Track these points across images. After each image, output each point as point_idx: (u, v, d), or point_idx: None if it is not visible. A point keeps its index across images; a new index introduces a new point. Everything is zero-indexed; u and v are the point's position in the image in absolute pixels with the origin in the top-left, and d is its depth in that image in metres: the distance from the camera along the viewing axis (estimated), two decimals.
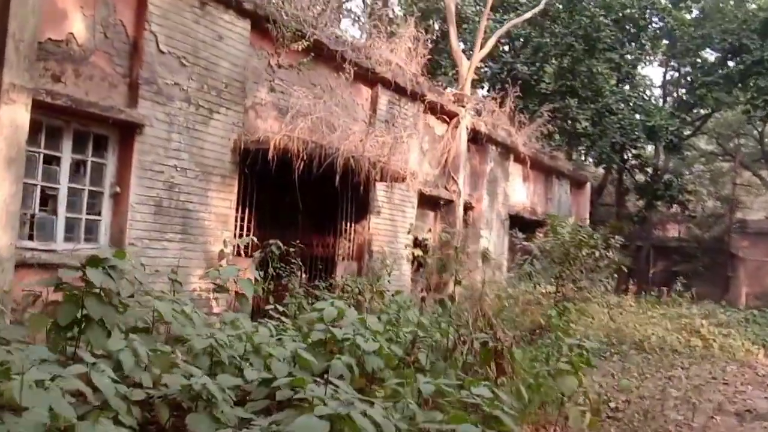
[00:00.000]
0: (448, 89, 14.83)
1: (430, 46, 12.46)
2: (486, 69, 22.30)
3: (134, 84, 6.52)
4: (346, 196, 9.85)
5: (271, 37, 8.12)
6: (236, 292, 6.85)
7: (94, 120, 6.18)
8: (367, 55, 10.18)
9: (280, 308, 6.39)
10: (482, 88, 22.63)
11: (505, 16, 20.15)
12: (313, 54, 8.86)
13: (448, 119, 13.25)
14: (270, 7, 8.01)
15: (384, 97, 10.74)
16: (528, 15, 16.27)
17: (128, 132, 6.47)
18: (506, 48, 23.52)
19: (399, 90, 10.99)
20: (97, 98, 6.18)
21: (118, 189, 6.52)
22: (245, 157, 7.72)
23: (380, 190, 10.69)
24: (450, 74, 20.37)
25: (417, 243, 11.78)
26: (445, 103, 12.73)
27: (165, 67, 6.77)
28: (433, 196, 12.62)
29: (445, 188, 13.29)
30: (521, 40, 22.52)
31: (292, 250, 7.77)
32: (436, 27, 19.81)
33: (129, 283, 5.50)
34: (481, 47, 14.29)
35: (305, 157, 7.62)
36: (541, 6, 16.24)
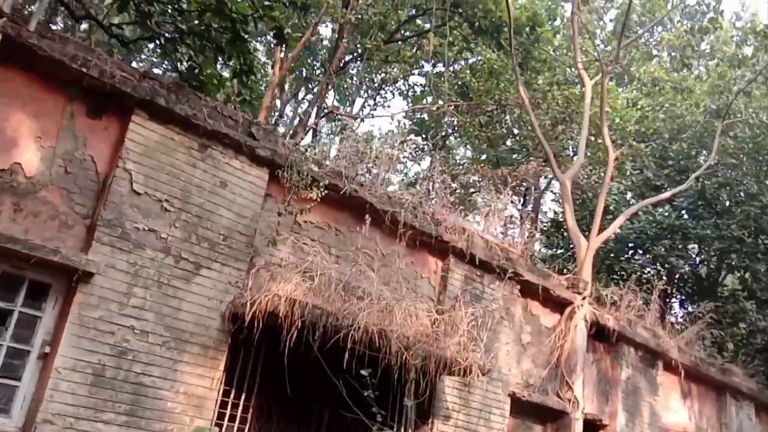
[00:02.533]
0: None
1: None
2: (634, 262, 19.53)
3: (94, 226, 5.60)
4: (399, 389, 7.77)
5: (297, 189, 7.03)
6: None
7: (25, 262, 5.21)
8: (434, 220, 8.71)
9: None
10: (621, 280, 19.66)
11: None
12: (351, 213, 7.61)
13: (560, 309, 10.92)
14: (296, 156, 7.03)
15: (458, 272, 8.94)
16: (666, 195, 13.99)
17: (73, 280, 5.39)
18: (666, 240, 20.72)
19: (482, 266, 9.18)
20: (38, 238, 5.28)
21: (48, 349, 5.31)
22: (238, 324, 6.25)
23: (452, 387, 8.46)
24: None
25: None
26: (554, 288, 10.52)
27: (138, 210, 5.82)
28: (535, 403, 9.92)
29: (558, 395, 10.50)
30: (676, 230, 19.69)
31: None
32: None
33: None
34: (602, 230, 12.19)
35: (303, 326, 5.97)
36: (681, 187, 13.93)
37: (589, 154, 20.33)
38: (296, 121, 21.36)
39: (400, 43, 20.47)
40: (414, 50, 21.01)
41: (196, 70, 7.14)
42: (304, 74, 23.02)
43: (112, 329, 5.51)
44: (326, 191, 7.26)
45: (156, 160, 5.98)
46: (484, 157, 23.53)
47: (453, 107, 19.03)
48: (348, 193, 7.52)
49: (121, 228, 5.68)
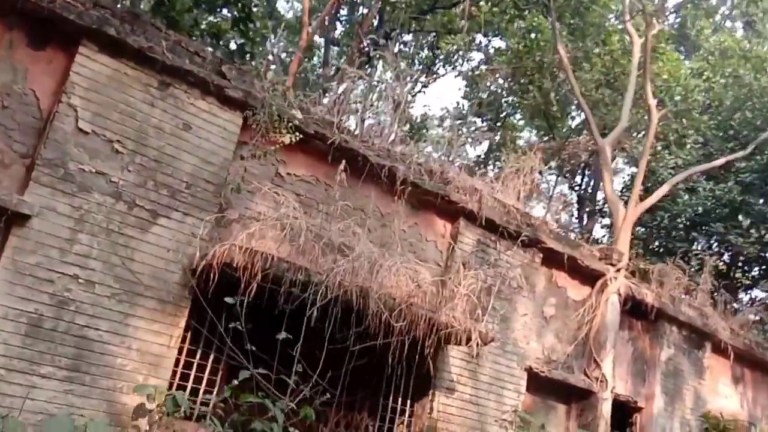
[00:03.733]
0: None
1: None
2: (690, 240, 18.08)
3: (33, 165, 5.14)
4: (395, 358, 7.08)
5: (267, 133, 6.38)
6: None
7: None
8: (442, 179, 7.93)
9: None
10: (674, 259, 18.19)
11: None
12: (339, 164, 6.91)
13: (591, 281, 9.95)
14: (275, 98, 6.39)
15: (469, 236, 8.14)
16: (719, 162, 12.61)
17: (2, 222, 4.94)
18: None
19: (497, 230, 8.34)
20: None
21: None
22: (203, 279, 5.69)
23: (457, 357, 7.73)
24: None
25: None
26: (583, 258, 9.56)
27: (84, 149, 5.32)
28: (557, 380, 9.05)
29: (585, 373, 9.59)
30: (737, 207, 18.04)
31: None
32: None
33: None
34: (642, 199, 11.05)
35: (266, 280, 5.36)
36: (738, 155, 12.53)
37: (641, 123, 18.92)
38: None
39: (448, 11, 19.55)
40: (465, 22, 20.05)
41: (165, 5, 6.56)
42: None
43: (52, 277, 5.05)
44: (311, 140, 6.61)
45: (106, 97, 5.46)
46: (546, 139, 22.41)
47: (496, 72, 18.01)
48: (338, 144, 6.84)
49: (63, 168, 5.20)
